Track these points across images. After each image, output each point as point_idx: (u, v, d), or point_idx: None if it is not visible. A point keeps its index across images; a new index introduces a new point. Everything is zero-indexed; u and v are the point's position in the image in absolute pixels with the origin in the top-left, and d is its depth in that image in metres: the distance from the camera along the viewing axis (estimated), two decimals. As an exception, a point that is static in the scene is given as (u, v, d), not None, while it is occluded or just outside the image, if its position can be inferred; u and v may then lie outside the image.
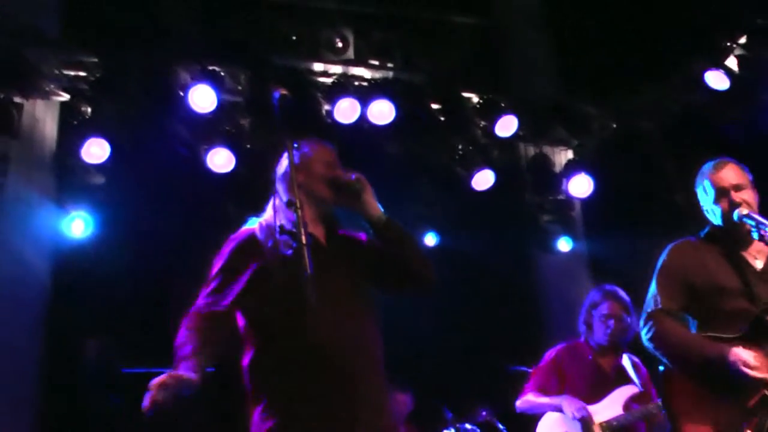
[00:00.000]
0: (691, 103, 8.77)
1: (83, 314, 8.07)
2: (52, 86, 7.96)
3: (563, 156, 9.70)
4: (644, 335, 4.28)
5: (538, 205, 9.76)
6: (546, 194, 9.63)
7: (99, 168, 7.93)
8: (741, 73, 8.05)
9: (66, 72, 7.94)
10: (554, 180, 9.44)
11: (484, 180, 9.01)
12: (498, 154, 9.20)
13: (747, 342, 4.00)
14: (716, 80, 8.01)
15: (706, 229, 4.50)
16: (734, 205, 4.29)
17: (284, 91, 3.74)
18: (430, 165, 9.12)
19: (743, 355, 3.92)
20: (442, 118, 8.71)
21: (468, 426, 7.25)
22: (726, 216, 4.34)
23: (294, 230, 3.33)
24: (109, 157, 7.81)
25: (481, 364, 9.09)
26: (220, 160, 8.12)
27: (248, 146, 8.33)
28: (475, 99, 8.86)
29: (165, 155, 8.07)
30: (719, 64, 8.13)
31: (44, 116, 8.14)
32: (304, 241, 3.28)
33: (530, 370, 7.23)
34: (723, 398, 3.96)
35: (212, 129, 8.11)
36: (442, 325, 9.47)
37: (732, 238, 4.36)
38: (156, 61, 7.84)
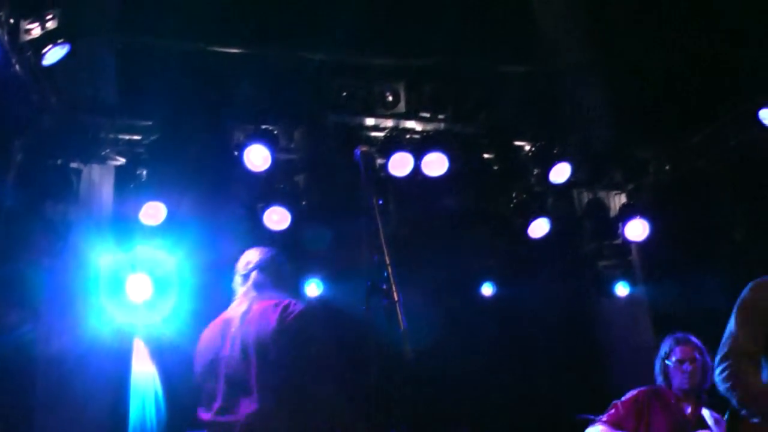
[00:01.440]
0: (745, 141, 8.76)
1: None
2: (108, 150, 8.14)
3: (618, 200, 9.74)
4: (718, 375, 4.26)
5: (595, 251, 9.80)
6: (602, 239, 9.67)
7: (156, 230, 8.04)
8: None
9: (122, 136, 8.13)
10: (610, 224, 9.49)
11: (539, 228, 9.06)
12: (553, 201, 9.25)
13: None
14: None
15: None
16: None
17: (365, 148, 3.82)
18: (486, 215, 9.16)
19: None
20: (496, 167, 8.78)
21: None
22: None
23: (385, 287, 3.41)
24: (166, 219, 7.93)
25: (549, 414, 9.06)
26: (276, 216, 8.23)
27: (303, 203, 8.45)
28: (527, 147, 8.93)
29: (222, 216, 8.19)
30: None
31: (100, 180, 8.32)
32: (396, 298, 3.36)
33: (599, 417, 7.21)
34: None
35: (268, 187, 8.24)
36: (507, 376, 9.47)
37: None
38: (211, 123, 7.99)
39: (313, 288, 8.97)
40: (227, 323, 5.09)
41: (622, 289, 9.82)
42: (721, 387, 4.26)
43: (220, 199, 8.21)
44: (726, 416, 4.27)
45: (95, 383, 7.67)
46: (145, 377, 8.07)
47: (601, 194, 9.63)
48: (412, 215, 8.72)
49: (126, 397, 7.86)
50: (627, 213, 9.31)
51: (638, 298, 10.05)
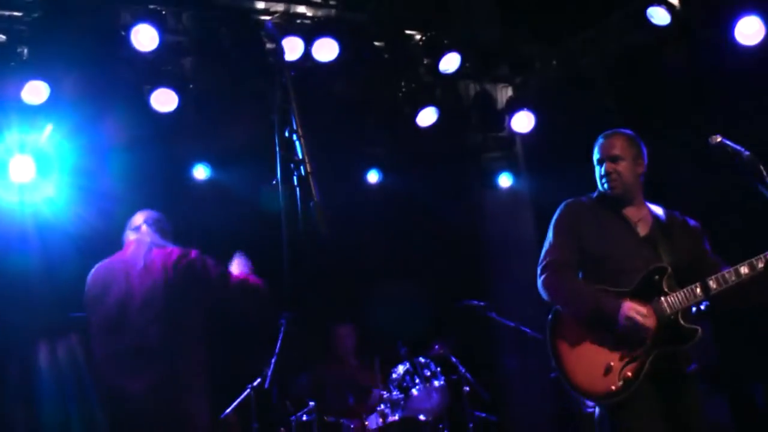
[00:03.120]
0: (632, 41, 9.02)
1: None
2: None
3: (505, 93, 9.98)
4: (540, 282, 4.79)
5: (480, 142, 10.08)
6: (488, 131, 9.94)
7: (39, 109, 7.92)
8: (681, 9, 8.29)
9: (1, 12, 7.91)
10: (496, 117, 9.73)
11: (427, 117, 9.23)
12: (441, 91, 9.40)
13: (634, 297, 4.56)
14: (658, 16, 8.21)
15: (597, 192, 4.96)
16: (605, 176, 4.83)
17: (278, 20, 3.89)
18: (374, 103, 9.28)
19: (636, 307, 4.47)
20: (386, 56, 8.87)
21: (422, 360, 7.53)
22: (601, 185, 4.88)
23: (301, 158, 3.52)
24: (49, 99, 7.82)
25: (430, 300, 9.39)
26: (163, 98, 8.19)
27: (191, 86, 8.42)
28: (418, 36, 9.02)
29: (107, 96, 8.10)
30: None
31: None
32: (309, 170, 3.47)
33: (481, 304, 7.56)
34: (606, 344, 4.53)
35: (155, 69, 8.18)
36: (389, 261, 9.73)
37: (616, 203, 4.86)
38: (97, 0, 7.85)
39: (201, 172, 9.05)
40: (123, 269, 5.65)
41: (505, 181, 10.16)
42: (544, 292, 4.78)
43: (105, 80, 8.08)
44: (550, 317, 4.78)
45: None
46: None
47: (489, 86, 9.83)
48: (301, 101, 8.77)
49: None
50: (513, 106, 9.56)
51: (521, 190, 10.40)
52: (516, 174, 10.21)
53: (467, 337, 8.30)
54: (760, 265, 4.47)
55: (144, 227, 5.86)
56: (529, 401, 9.49)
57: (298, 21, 8.55)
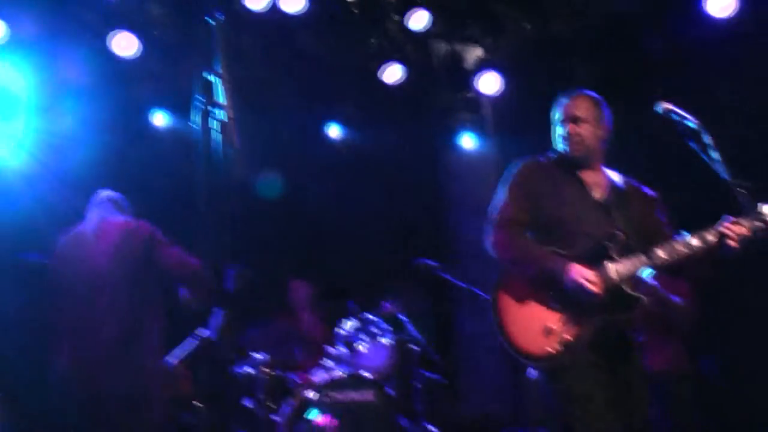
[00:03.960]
0: (602, 5, 9.00)
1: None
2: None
3: (475, 54, 9.93)
4: (489, 238, 4.79)
5: (448, 102, 10.06)
6: (456, 91, 9.92)
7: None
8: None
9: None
10: (465, 77, 9.69)
11: (393, 74, 9.21)
12: (410, 49, 9.36)
13: (583, 261, 4.51)
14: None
15: (555, 153, 4.87)
16: (566, 137, 4.76)
17: None
18: (342, 58, 9.24)
19: (583, 271, 4.43)
20: (356, 11, 8.81)
21: (371, 317, 7.55)
22: (562, 146, 4.79)
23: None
24: (8, 39, 7.76)
25: (386, 257, 9.41)
26: (125, 43, 8.13)
27: (155, 33, 8.37)
28: (388, -8, 8.97)
29: (68, 39, 8.05)
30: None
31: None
32: (231, 116, 3.45)
33: (436, 264, 7.60)
34: (549, 306, 4.53)
35: (118, 12, 8.11)
36: (348, 217, 9.75)
37: (574, 165, 4.79)
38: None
39: (160, 118, 9.05)
40: (81, 241, 5.93)
41: (470, 142, 10.16)
42: (492, 250, 4.77)
43: (66, 22, 8.03)
44: (497, 278, 4.75)
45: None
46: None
47: (458, 46, 9.78)
48: (268, 55, 8.75)
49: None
50: (482, 66, 9.52)
51: (486, 152, 10.42)
52: (482, 136, 10.21)
53: (420, 296, 8.32)
54: (711, 238, 4.42)
55: (103, 204, 6.12)
56: (480, 363, 9.57)
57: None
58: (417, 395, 7.67)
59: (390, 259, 9.32)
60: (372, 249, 9.71)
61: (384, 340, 7.50)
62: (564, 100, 4.85)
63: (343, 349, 7.40)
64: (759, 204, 4.43)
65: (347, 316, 7.57)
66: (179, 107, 8.98)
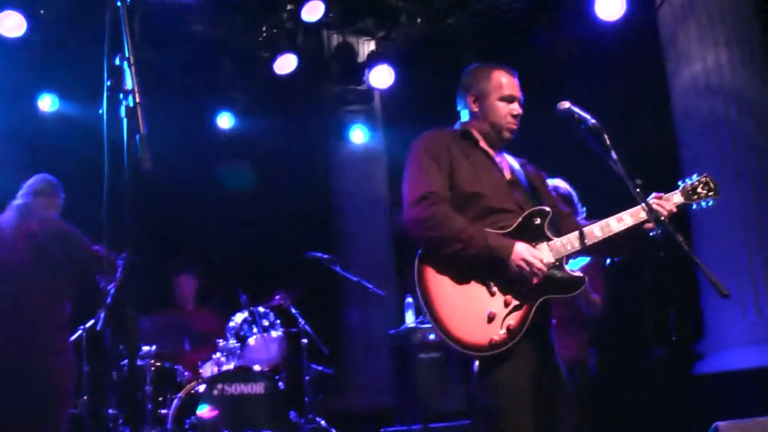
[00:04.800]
0: (498, 6, 9.16)
1: None
2: None
3: (367, 47, 9.99)
4: (416, 215, 4.22)
5: (339, 95, 10.08)
6: (347, 83, 9.93)
7: None
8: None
9: None
10: (357, 69, 9.72)
11: (286, 63, 9.18)
12: (303, 39, 9.35)
13: (522, 240, 4.21)
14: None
15: (461, 126, 4.54)
16: (515, 116, 4.44)
17: None
18: (234, 46, 9.17)
19: (530, 249, 4.14)
20: (249, -1, 8.78)
21: (261, 309, 7.52)
22: (498, 121, 4.44)
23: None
24: None
25: (276, 250, 9.38)
26: (11, 23, 7.91)
27: (42, 12, 8.16)
28: (282, -19, 8.95)
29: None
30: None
31: None
32: (138, 100, 3.35)
33: (326, 256, 7.62)
34: (489, 289, 4.13)
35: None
36: (237, 208, 9.69)
37: (488, 141, 4.49)
38: None
39: (47, 102, 8.85)
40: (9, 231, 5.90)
41: (361, 135, 10.19)
42: (418, 228, 4.22)
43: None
44: (417, 260, 4.20)
45: None
46: None
47: (351, 39, 9.82)
48: (159, 39, 8.62)
49: None
50: (374, 60, 9.56)
51: (376, 146, 10.48)
52: (372, 129, 10.27)
53: (310, 289, 8.30)
54: (643, 214, 4.24)
55: (31, 194, 6.11)
56: (368, 356, 9.64)
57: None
58: (307, 388, 7.67)
59: (280, 251, 9.29)
60: (262, 241, 9.66)
61: (274, 333, 7.48)
62: (513, 76, 4.51)
63: (233, 342, 7.34)
64: (681, 182, 4.45)
65: (238, 309, 7.52)
66: (70, 91, 8.79)
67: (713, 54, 8.57)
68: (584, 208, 6.21)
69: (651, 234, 4.33)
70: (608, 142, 4.28)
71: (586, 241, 4.27)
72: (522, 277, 4.10)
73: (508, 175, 4.45)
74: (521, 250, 4.10)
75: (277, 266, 9.17)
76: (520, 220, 4.26)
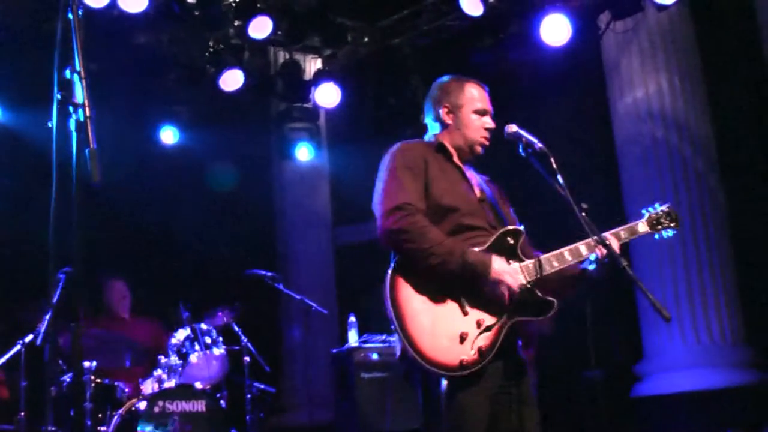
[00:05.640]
0: (442, 27, 9.25)
1: None
2: None
3: (314, 64, 10.04)
4: (390, 226, 4.09)
5: (284, 112, 10.10)
6: (293, 101, 9.96)
7: None
8: (494, 2, 8.56)
9: None
10: (302, 87, 9.75)
11: (233, 80, 9.17)
12: (249, 56, 9.36)
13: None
14: (471, 6, 8.39)
15: (435, 138, 4.47)
16: (489, 130, 4.43)
17: None
18: (179, 60, 9.13)
19: (508, 267, 4.06)
20: (196, 13, 8.73)
21: (204, 326, 7.47)
22: (472, 134, 4.42)
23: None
24: None
25: (219, 266, 9.35)
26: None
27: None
28: (232, -3, 8.94)
29: None
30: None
31: None
32: (88, 114, 3.31)
33: (269, 274, 7.62)
34: (463, 306, 4.04)
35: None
36: (178, 224, 9.64)
37: (459, 156, 4.45)
38: None
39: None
40: None
41: (305, 153, 10.22)
42: (395, 238, 4.09)
43: None
44: (389, 274, 4.06)
45: None
46: None
47: (298, 56, 9.86)
48: (103, 52, 8.56)
49: None
50: (320, 77, 9.59)
51: (320, 164, 10.52)
52: (317, 147, 10.30)
53: (253, 307, 8.28)
54: (598, 246, 4.18)
55: None
56: (310, 374, 9.62)
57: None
58: (248, 406, 7.64)
59: (223, 268, 9.27)
60: (206, 258, 9.63)
61: (216, 351, 7.44)
62: (484, 91, 4.51)
63: (175, 359, 7.29)
64: (645, 210, 4.50)
65: (180, 326, 7.47)
66: (14, 102, 8.71)
67: (655, 80, 8.79)
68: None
69: (591, 271, 4.29)
70: (555, 166, 4.31)
71: (543, 269, 4.17)
72: (496, 296, 4.03)
73: (477, 192, 4.40)
74: (499, 266, 4.03)
75: (219, 283, 9.13)
76: (494, 238, 4.20)
